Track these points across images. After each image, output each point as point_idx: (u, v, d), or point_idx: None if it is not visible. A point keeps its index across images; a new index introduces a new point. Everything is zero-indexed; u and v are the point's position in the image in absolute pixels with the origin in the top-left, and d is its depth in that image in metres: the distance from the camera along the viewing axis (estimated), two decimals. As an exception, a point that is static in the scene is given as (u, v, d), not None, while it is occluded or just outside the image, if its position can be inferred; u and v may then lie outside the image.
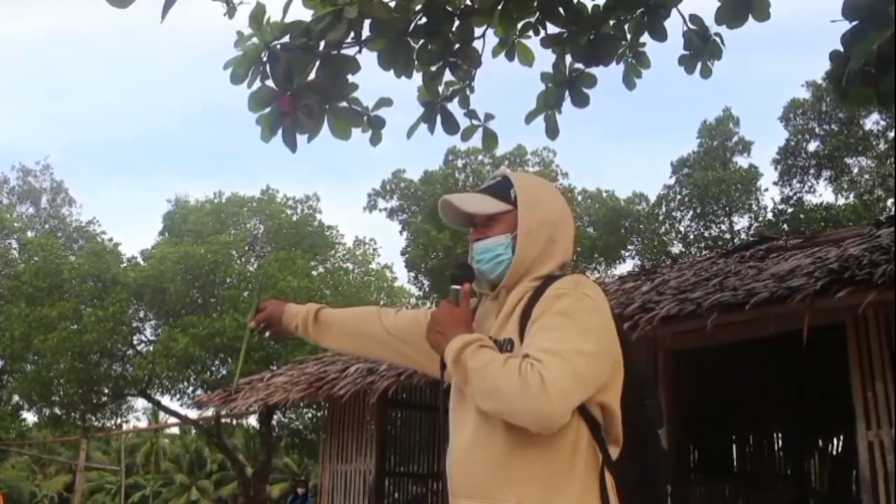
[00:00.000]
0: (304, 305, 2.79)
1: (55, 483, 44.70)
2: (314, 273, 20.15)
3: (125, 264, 19.79)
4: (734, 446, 11.79)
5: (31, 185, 25.99)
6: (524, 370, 1.90)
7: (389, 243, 53.21)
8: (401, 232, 23.35)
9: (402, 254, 21.73)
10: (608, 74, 5.23)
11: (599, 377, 2.00)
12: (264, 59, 4.03)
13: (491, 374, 1.96)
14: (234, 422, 22.05)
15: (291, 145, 4.23)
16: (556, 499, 1.99)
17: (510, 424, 1.98)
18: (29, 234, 24.40)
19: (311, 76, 4.21)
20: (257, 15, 3.88)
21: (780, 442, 12.33)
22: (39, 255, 20.28)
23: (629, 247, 25.62)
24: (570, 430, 1.99)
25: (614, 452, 2.09)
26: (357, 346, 2.75)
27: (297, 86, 4.10)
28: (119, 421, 22.00)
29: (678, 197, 25.51)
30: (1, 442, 24.07)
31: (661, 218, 25.74)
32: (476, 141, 5.37)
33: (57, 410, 20.08)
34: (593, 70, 5.15)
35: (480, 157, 23.77)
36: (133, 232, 62.25)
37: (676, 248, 25.36)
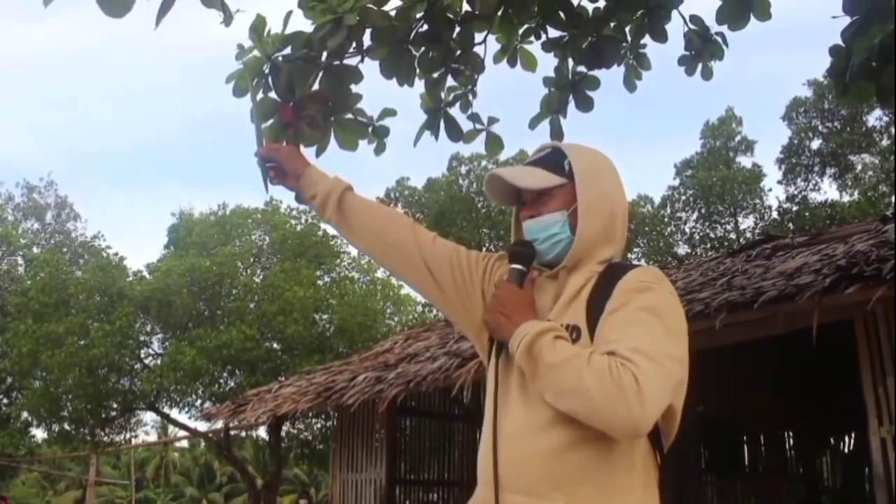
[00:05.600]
0: (329, 177, 2.40)
1: (66, 499, 44.70)
2: (320, 283, 20.16)
3: (131, 278, 19.81)
4: (745, 445, 11.77)
5: (35, 201, 26.05)
6: (616, 370, 1.75)
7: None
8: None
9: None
10: (610, 77, 5.23)
11: (684, 384, 1.88)
12: (266, 70, 4.02)
13: (573, 371, 1.80)
14: (244, 433, 22.04)
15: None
16: (611, 499, 1.87)
17: (568, 418, 1.84)
18: (35, 249, 24.45)
19: (315, 87, 4.21)
20: (258, 27, 3.87)
21: (792, 440, 12.31)
22: (45, 270, 20.28)
23: (634, 249, 25.62)
24: None
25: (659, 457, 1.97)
26: (378, 250, 2.36)
27: (299, 97, 4.10)
28: (128, 435, 21.98)
29: (682, 198, 25.53)
30: (11, 458, 24.07)
31: (665, 219, 25.76)
32: (479, 146, 5.37)
33: (66, 426, 20.08)
34: (596, 73, 5.16)
35: (484, 163, 23.80)
36: (138, 245, 62.37)
37: (682, 250, 25.36)
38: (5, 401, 24.42)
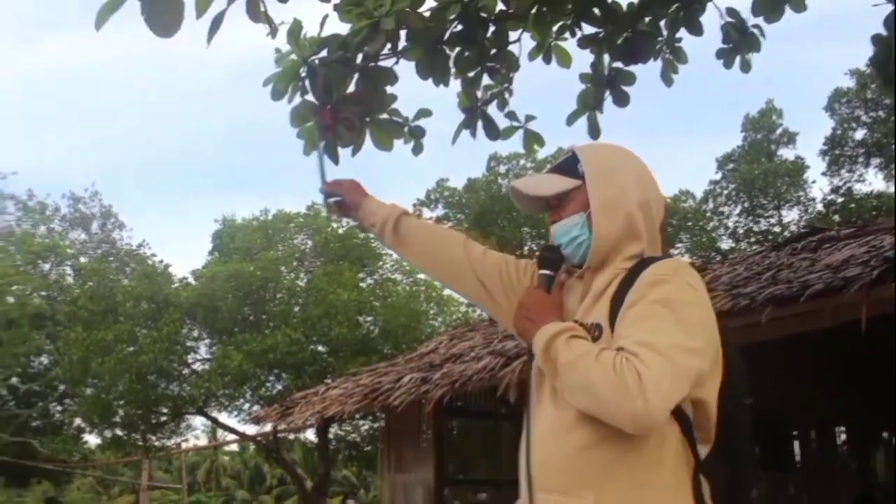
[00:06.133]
0: (386, 206, 2.59)
1: (119, 503, 45.29)
2: (363, 285, 20.24)
3: (176, 285, 20.03)
4: (796, 442, 11.63)
5: (81, 211, 26.46)
6: (619, 366, 1.78)
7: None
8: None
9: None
10: (647, 71, 5.19)
11: (700, 374, 1.86)
12: (303, 74, 4.06)
13: (582, 368, 1.83)
14: (292, 436, 22.19)
15: (333, 158, 4.25)
16: (640, 495, 1.87)
17: (592, 417, 1.85)
18: (82, 259, 24.84)
19: (350, 89, 4.23)
20: (294, 31, 3.91)
21: (844, 436, 12.15)
22: (93, 279, 20.61)
23: (677, 245, 25.43)
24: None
25: (703, 451, 1.96)
26: (432, 268, 2.54)
27: (336, 99, 4.12)
28: (178, 440, 22.26)
29: (725, 192, 25.31)
30: (66, 464, 24.48)
31: (708, 214, 25.55)
32: (517, 145, 5.36)
33: (118, 431, 20.37)
34: (632, 68, 5.12)
35: (522, 162, 23.75)
36: (181, 252, 63.00)
37: (726, 244, 25.13)
38: (59, 408, 24.93)
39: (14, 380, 24.77)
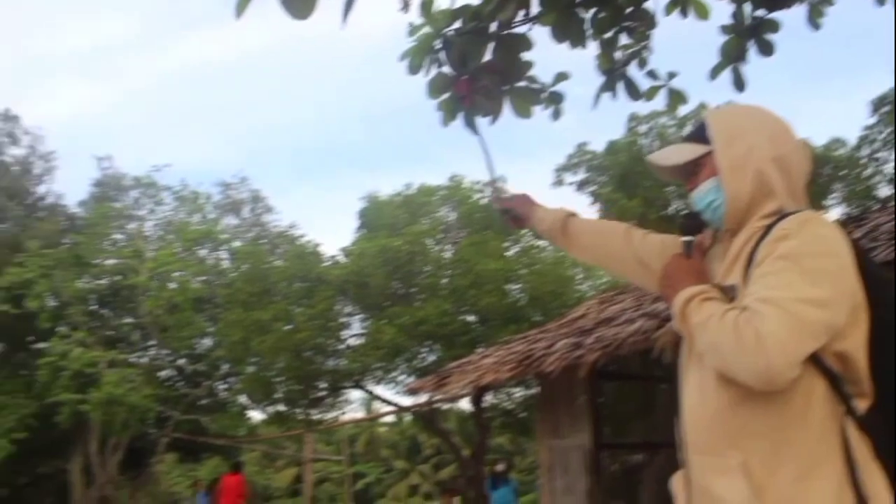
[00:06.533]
0: (553, 210, 2.81)
1: (285, 476, 46.98)
2: (508, 254, 20.27)
3: (327, 263, 20.51)
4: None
5: (232, 197, 27.32)
6: (740, 324, 1.80)
7: (580, 217, 53.06)
8: (591, 204, 23.19)
9: (595, 226, 21.52)
10: (792, 16, 5.00)
11: (831, 326, 1.82)
12: (438, 46, 4.09)
13: (711, 329, 1.87)
14: (446, 406, 22.52)
15: (472, 128, 4.27)
16: (785, 453, 1.86)
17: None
18: (236, 243, 25.71)
19: (486, 58, 4.23)
20: (427, 3, 3.94)
21: None
22: (248, 262, 21.35)
23: (832, 194, 24.44)
24: (800, 382, 1.82)
25: (862, 405, 1.90)
26: (600, 261, 2.73)
27: (472, 69, 4.13)
28: (337, 413, 22.86)
29: (881, 137, 24.14)
30: (233, 439, 25.53)
31: (863, 161, 24.44)
32: (659, 103, 5.25)
33: (280, 407, 21.09)
34: (775, 14, 4.94)
35: (663, 120, 23.22)
36: (328, 232, 64.58)
37: (884, 192, 24.02)
38: (223, 386, 25.98)
39: (181, 361, 25.98)
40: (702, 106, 18.83)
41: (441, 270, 19.61)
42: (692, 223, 2.19)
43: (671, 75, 5.10)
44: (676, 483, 2.17)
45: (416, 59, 4.11)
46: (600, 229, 2.72)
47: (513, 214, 2.92)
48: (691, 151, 2.17)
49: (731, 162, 2.08)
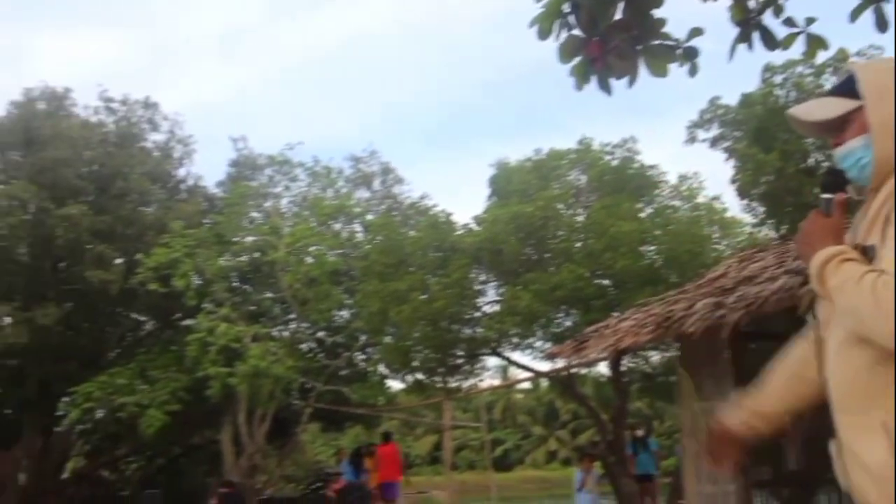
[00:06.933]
0: (734, 412, 2.80)
1: (424, 443, 47.82)
2: (642, 215, 20.00)
3: (460, 231, 20.64)
4: None
5: (362, 171, 27.70)
6: (877, 286, 1.77)
7: (714, 174, 52.03)
8: (726, 160, 22.60)
9: (732, 182, 21.02)
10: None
11: None
12: (566, 9, 4.05)
13: (848, 291, 1.85)
14: (583, 371, 22.45)
15: (606, 89, 4.23)
16: None
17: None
18: (368, 216, 26.11)
19: (617, 16, 4.18)
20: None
21: None
22: (381, 234, 21.67)
23: None
24: None
25: None
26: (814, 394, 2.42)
27: (603, 29, 4.09)
28: (474, 381, 23.06)
29: None
30: (374, 409, 26.07)
31: None
32: (795, 52, 5.08)
33: (418, 376, 21.42)
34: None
35: (800, 69, 22.38)
36: (458, 201, 65.07)
37: None
38: (362, 357, 26.52)
39: (321, 333, 26.61)
40: (841, 51, 18.08)
41: (574, 234, 19.49)
42: (833, 179, 2.11)
43: (809, 21, 4.93)
44: (833, 445, 2.13)
45: (546, 23, 4.09)
46: (783, 374, 2.70)
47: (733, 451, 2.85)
48: (839, 106, 2.09)
49: (881, 119, 1.99)
